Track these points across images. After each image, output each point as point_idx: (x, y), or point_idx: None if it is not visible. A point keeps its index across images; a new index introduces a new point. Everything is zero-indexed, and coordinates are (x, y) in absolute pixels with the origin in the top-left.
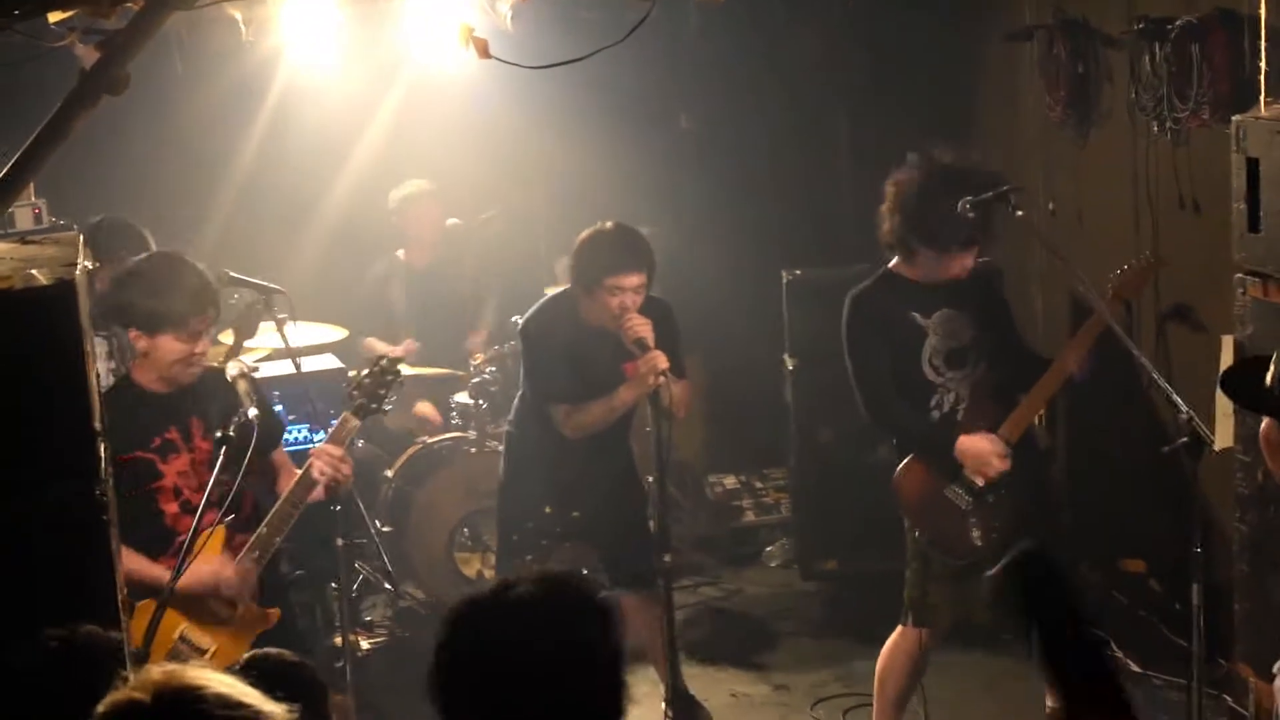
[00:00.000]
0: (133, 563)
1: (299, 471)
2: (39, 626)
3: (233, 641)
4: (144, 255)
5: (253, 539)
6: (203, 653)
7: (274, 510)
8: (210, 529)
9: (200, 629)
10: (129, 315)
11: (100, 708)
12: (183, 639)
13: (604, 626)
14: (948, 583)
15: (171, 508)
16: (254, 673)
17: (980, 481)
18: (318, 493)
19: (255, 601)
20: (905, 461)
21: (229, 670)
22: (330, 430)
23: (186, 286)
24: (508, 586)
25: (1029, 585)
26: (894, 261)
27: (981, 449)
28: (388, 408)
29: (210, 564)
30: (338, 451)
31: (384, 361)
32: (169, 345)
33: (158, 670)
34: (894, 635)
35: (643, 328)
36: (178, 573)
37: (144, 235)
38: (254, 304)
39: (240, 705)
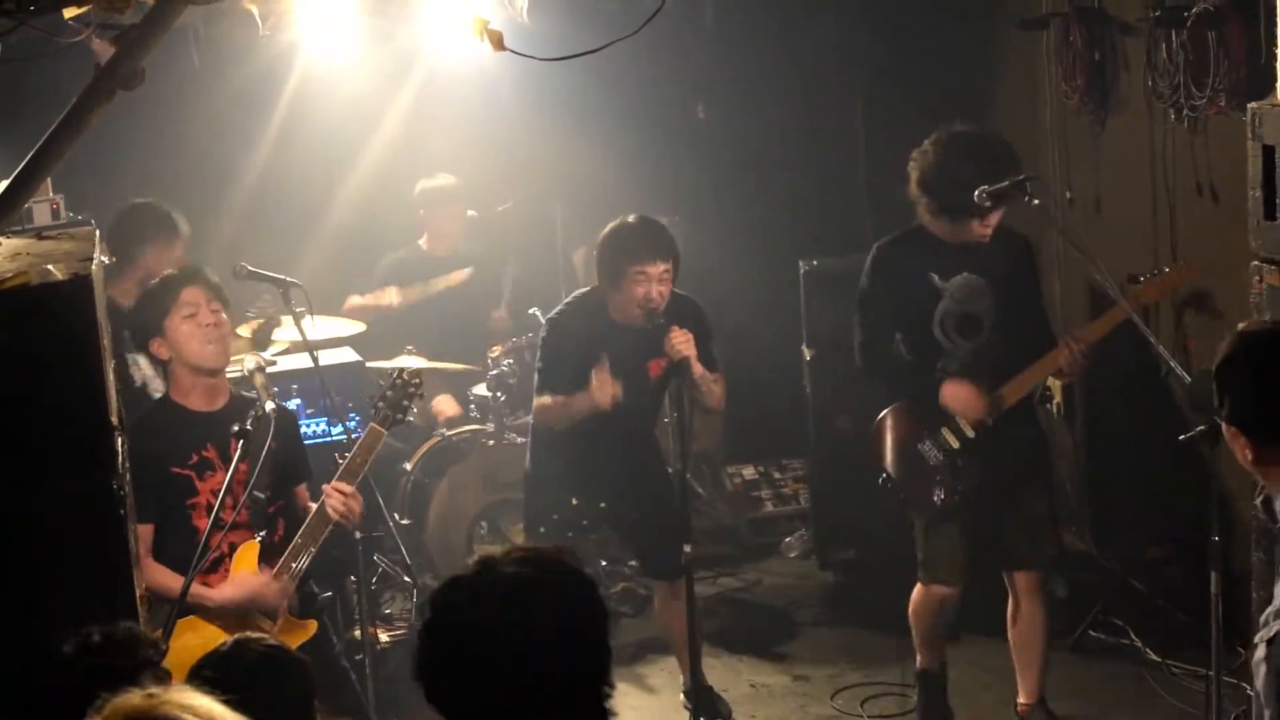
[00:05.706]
0: (166, 580)
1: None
2: (55, 618)
3: None
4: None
5: (278, 565)
6: None
7: (292, 544)
8: (224, 528)
9: None
10: (142, 333)
11: None
12: None
13: (593, 603)
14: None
15: (204, 524)
16: (237, 660)
17: (969, 430)
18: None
19: (292, 614)
20: (887, 410)
21: (215, 651)
22: (357, 440)
23: (163, 280)
24: (492, 565)
25: None
26: (925, 217)
27: (964, 393)
28: (410, 418)
29: (250, 579)
30: (348, 489)
31: (405, 373)
32: (178, 329)
33: (139, 695)
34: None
35: (684, 345)
36: (193, 571)
37: (173, 219)
38: (273, 315)
39: None
